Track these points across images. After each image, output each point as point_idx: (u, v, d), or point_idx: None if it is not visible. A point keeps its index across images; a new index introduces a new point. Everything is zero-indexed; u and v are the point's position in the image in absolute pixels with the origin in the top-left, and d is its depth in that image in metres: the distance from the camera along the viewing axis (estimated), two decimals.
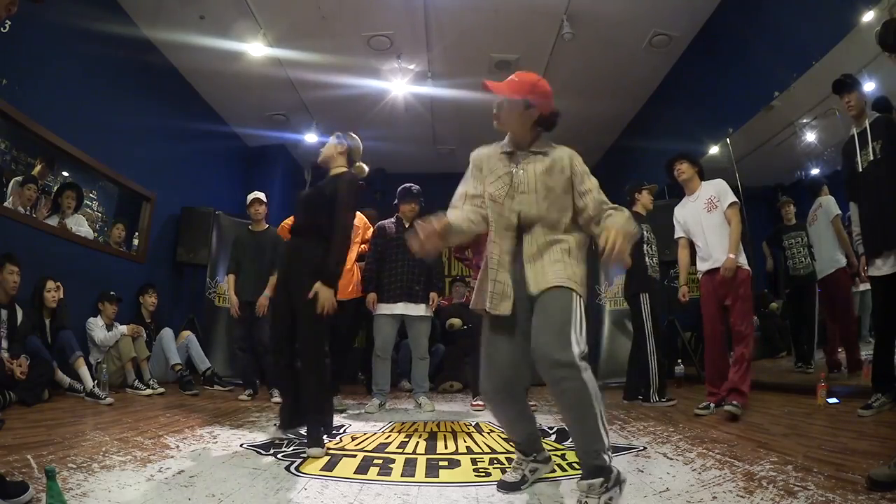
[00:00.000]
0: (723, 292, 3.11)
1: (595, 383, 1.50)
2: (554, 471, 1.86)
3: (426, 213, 3.75)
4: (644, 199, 4.06)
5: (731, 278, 3.04)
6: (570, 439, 1.53)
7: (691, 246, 3.41)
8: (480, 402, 3.70)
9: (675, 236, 3.48)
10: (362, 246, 3.80)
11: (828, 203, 3.74)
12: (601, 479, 1.45)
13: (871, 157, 2.60)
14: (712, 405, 3.09)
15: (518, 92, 1.68)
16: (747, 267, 3.09)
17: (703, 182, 3.34)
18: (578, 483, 1.49)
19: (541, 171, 1.67)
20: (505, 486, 1.70)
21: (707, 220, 3.20)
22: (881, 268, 2.56)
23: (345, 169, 2.57)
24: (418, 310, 3.57)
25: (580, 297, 1.58)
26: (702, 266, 3.25)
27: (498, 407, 1.75)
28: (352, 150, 2.62)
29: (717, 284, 3.12)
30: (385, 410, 3.50)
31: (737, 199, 3.17)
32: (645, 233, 3.95)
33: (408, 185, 3.72)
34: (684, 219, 3.38)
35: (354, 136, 2.66)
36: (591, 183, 1.70)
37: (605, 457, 1.47)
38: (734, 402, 2.85)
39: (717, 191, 3.21)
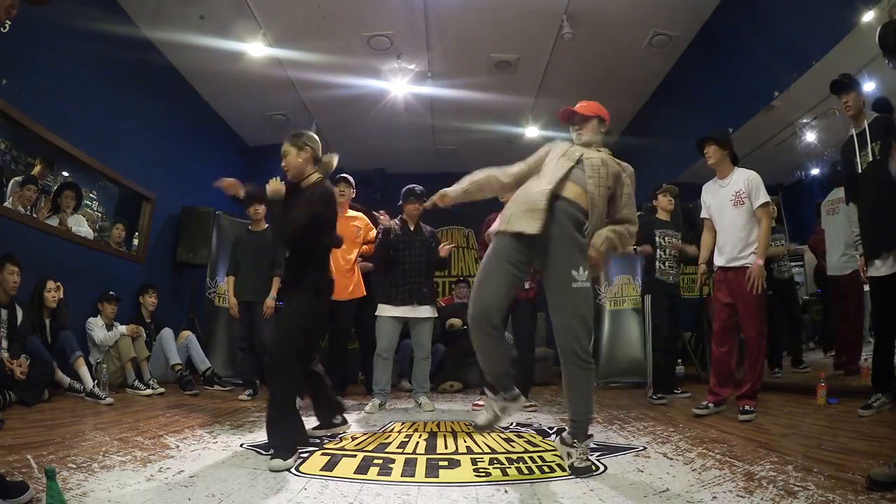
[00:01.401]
0: (734, 291, 2.97)
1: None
2: (530, 406, 2.02)
3: (429, 214, 3.78)
4: (661, 202, 4.09)
5: (745, 279, 2.90)
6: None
7: (714, 229, 3.19)
8: (481, 403, 3.70)
9: (701, 216, 3.27)
10: (364, 247, 3.79)
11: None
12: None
13: (871, 158, 2.59)
14: (711, 405, 3.02)
15: (595, 112, 2.31)
16: (761, 262, 2.90)
17: (737, 168, 3.09)
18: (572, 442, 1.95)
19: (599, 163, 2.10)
20: (479, 428, 2.02)
21: (731, 214, 2.99)
22: (880, 268, 2.56)
23: (318, 176, 2.36)
24: (425, 311, 3.58)
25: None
26: (717, 260, 3.09)
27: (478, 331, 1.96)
28: (315, 150, 2.36)
29: (730, 283, 3.00)
30: (385, 410, 3.50)
31: (769, 199, 2.94)
32: (658, 238, 3.99)
33: (412, 185, 3.72)
34: (709, 202, 3.17)
35: (306, 131, 2.40)
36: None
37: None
38: (748, 407, 2.82)
39: (748, 185, 2.96)
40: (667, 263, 3.97)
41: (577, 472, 1.86)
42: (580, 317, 1.92)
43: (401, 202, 3.70)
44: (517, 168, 2.21)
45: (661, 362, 3.86)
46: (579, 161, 2.07)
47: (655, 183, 4.20)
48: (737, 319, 3.01)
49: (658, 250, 3.96)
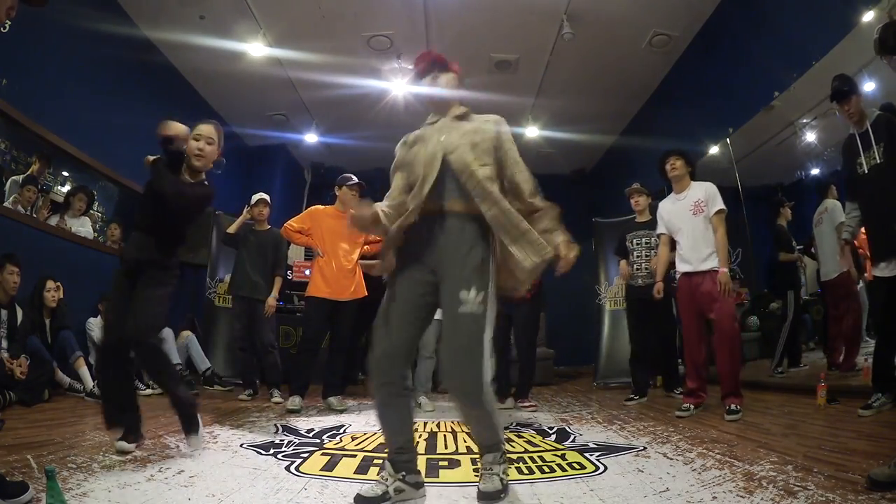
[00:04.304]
0: (701, 296, 3.07)
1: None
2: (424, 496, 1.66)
3: None
4: (634, 206, 4.12)
5: (711, 282, 3.02)
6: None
7: (672, 243, 3.35)
8: (529, 403, 3.68)
9: (657, 232, 3.43)
10: (366, 247, 3.79)
11: (833, 208, 3.70)
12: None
13: (875, 161, 2.55)
14: (692, 407, 3.07)
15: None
16: (725, 269, 3.04)
17: (693, 182, 3.28)
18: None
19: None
20: (360, 501, 1.50)
21: (692, 223, 3.15)
22: (884, 269, 2.55)
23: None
24: None
25: None
26: (681, 267, 3.20)
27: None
28: None
29: (694, 288, 3.11)
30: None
31: (724, 207, 3.11)
32: (627, 243, 4.02)
33: None
34: (669, 216, 3.31)
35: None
36: None
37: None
38: (734, 406, 2.85)
39: (707, 195, 3.14)
40: (634, 266, 3.96)
41: (488, 497, 1.56)
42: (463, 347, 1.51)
43: None
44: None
45: (634, 367, 4.00)
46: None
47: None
48: (701, 325, 3.17)
49: (628, 255, 4.00)
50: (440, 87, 1.79)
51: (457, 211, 1.60)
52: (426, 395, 3.68)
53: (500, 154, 1.67)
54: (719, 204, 3.10)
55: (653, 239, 3.87)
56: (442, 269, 1.58)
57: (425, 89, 1.80)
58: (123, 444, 2.05)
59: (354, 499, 1.52)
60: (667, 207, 3.34)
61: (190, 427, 2.15)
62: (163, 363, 2.23)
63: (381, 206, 1.68)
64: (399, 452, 1.62)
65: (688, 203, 3.19)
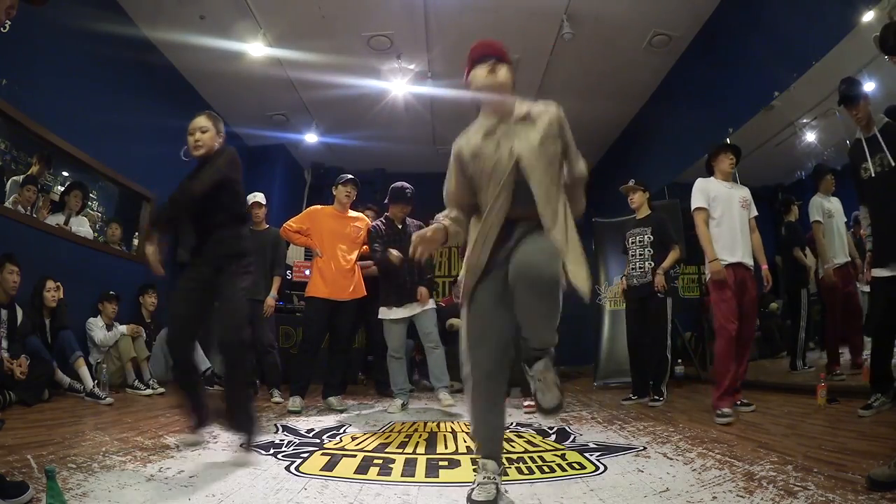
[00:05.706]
0: (743, 289, 3.06)
1: None
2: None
3: (419, 213, 3.72)
4: (631, 203, 4.04)
5: (751, 281, 3.08)
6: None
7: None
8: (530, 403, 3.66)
9: (697, 205, 3.16)
10: (364, 247, 3.79)
11: (810, 206, 3.74)
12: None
13: (881, 169, 2.54)
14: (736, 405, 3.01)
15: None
16: (766, 266, 3.18)
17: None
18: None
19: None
20: None
21: (742, 216, 3.14)
22: (884, 270, 2.55)
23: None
24: (420, 306, 3.48)
25: None
26: (728, 257, 3.07)
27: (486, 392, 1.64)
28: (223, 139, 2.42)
29: (741, 279, 3.06)
30: (383, 411, 3.48)
31: None
32: (625, 242, 3.97)
33: (400, 186, 3.62)
34: (717, 194, 3.15)
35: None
36: None
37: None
38: (746, 401, 3.01)
39: (750, 197, 3.22)
40: (630, 265, 3.93)
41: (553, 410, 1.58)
42: None
43: (387, 202, 3.64)
44: None
45: (633, 368, 3.96)
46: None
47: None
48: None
49: (628, 254, 3.96)
50: (500, 79, 1.73)
51: (525, 217, 1.59)
52: (445, 390, 3.46)
53: (563, 145, 1.67)
54: (755, 210, 3.23)
55: (647, 237, 3.84)
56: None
57: (486, 93, 1.74)
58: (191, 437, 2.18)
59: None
60: (715, 186, 3.20)
61: (250, 428, 2.17)
62: (248, 364, 2.26)
63: (444, 222, 1.68)
64: (495, 446, 1.66)
65: (738, 194, 3.19)
